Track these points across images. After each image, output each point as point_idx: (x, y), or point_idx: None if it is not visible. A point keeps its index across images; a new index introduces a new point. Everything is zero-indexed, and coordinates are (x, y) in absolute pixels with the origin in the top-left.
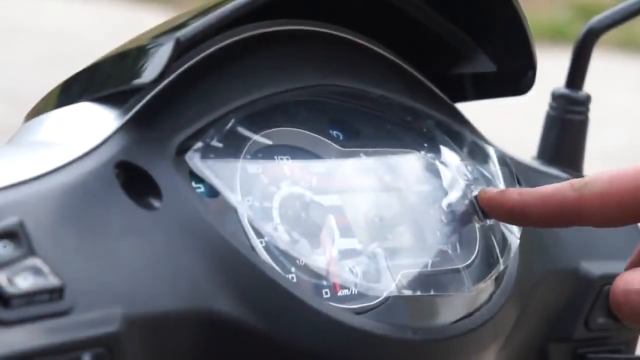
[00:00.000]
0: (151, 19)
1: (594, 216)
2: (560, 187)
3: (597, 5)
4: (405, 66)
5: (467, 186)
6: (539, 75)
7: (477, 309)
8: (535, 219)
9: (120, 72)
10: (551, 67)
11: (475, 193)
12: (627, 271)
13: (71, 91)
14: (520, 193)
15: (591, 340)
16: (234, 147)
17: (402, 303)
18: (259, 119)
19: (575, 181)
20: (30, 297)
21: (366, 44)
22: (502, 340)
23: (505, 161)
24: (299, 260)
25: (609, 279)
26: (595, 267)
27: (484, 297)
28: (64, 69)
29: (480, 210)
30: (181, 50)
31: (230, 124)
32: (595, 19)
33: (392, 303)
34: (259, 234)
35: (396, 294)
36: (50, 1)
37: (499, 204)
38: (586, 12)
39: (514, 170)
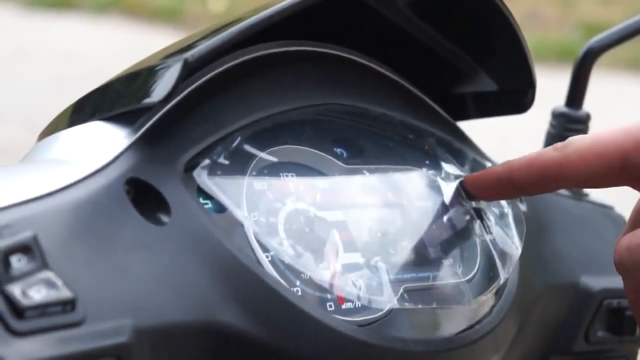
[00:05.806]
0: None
1: (577, 174)
2: (544, 150)
3: (606, 25)
4: (408, 85)
5: (468, 202)
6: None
7: (478, 322)
8: (521, 185)
9: (130, 92)
10: (559, 84)
11: (474, 205)
12: (631, 232)
13: (83, 111)
14: (504, 163)
15: (591, 354)
16: (240, 164)
17: (404, 316)
18: (265, 137)
19: (558, 143)
20: (43, 308)
21: (369, 63)
22: (503, 353)
23: None
24: (304, 274)
25: (609, 293)
26: (595, 282)
27: (485, 309)
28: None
29: (483, 223)
30: (189, 70)
31: (236, 142)
32: (595, 39)
33: (394, 316)
34: (265, 249)
35: (398, 307)
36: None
37: (485, 178)
38: (595, 32)
39: None
